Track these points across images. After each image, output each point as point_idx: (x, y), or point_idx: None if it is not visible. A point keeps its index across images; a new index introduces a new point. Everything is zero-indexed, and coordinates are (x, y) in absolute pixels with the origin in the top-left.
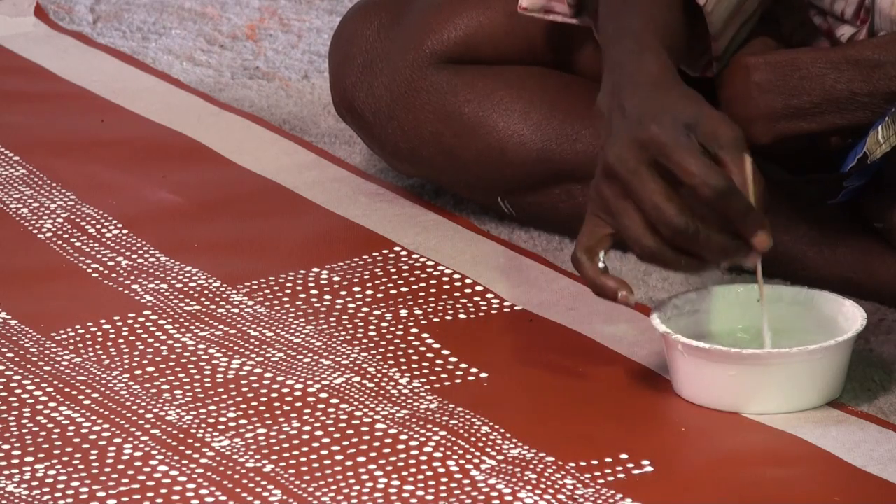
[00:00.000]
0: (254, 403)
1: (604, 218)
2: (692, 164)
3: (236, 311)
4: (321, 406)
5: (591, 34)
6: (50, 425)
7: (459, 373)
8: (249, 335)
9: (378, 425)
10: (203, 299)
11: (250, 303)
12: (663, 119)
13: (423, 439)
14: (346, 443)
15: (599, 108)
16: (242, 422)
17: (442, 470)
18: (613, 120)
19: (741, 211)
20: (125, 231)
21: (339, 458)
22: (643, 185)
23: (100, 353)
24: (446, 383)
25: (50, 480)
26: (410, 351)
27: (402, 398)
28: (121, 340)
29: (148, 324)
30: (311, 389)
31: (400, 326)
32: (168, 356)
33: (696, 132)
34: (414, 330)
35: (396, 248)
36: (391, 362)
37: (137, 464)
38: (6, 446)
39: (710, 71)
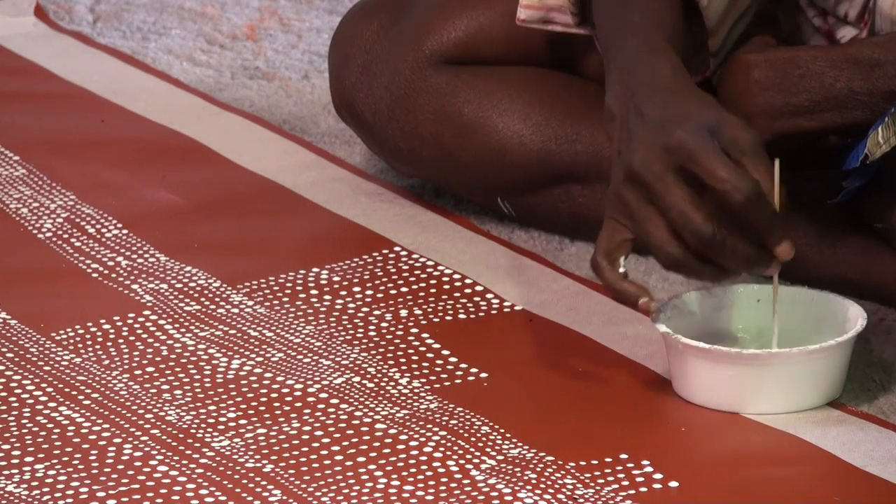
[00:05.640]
0: (254, 403)
1: (624, 223)
2: (722, 169)
3: (236, 311)
4: (321, 406)
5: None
6: (50, 425)
7: (459, 373)
8: (249, 335)
9: (378, 425)
10: (203, 299)
11: (250, 303)
12: (687, 124)
13: (423, 439)
14: (346, 443)
15: (611, 110)
16: (242, 422)
17: (442, 470)
18: (631, 124)
19: (767, 219)
20: (125, 231)
21: (339, 458)
22: (669, 192)
23: (100, 353)
24: (446, 383)
25: (50, 480)
26: (410, 351)
27: (402, 398)
28: (121, 340)
29: (148, 324)
30: (311, 389)
31: (400, 326)
32: (168, 356)
33: (717, 137)
34: (414, 330)
35: (396, 248)
36: (391, 362)
37: (137, 464)
38: (6, 446)
39: (707, 72)
